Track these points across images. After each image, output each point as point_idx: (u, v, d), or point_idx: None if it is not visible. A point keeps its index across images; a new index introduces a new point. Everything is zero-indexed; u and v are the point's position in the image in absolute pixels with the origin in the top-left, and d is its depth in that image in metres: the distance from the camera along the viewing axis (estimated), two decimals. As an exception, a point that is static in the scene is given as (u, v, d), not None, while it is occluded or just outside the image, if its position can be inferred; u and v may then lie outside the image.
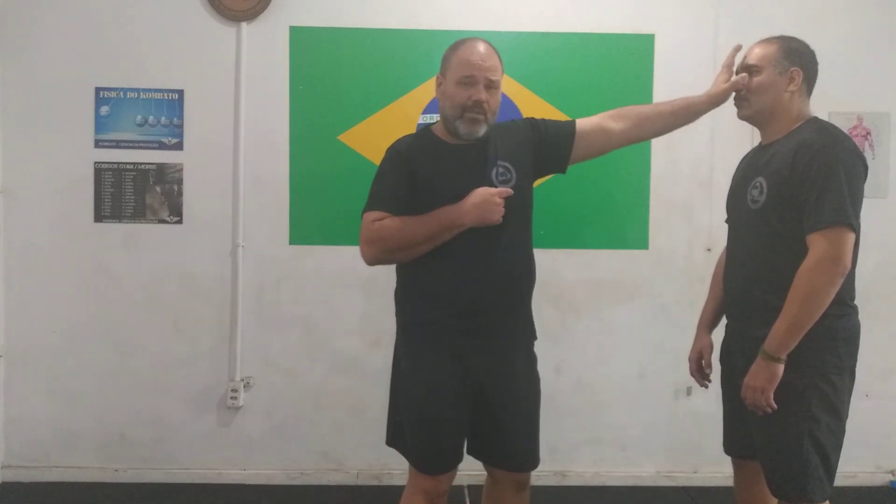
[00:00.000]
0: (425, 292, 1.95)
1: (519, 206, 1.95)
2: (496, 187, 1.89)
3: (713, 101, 2.05)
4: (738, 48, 2.04)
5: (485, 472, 2.11)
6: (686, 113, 2.08)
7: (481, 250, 1.89)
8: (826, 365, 1.82)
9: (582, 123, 2.06)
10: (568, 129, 2.04)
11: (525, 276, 2.00)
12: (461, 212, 1.84)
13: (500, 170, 1.94)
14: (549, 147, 2.03)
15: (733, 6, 3.11)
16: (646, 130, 2.10)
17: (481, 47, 1.91)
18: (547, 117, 2.04)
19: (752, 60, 1.96)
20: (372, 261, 1.94)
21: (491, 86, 1.90)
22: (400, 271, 2.02)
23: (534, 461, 2.03)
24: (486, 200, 1.83)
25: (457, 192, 1.86)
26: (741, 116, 2.01)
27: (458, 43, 1.95)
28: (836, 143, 1.82)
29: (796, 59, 1.93)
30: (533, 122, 2.07)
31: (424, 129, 2.05)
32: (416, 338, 1.96)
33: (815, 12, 3.10)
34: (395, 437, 2.04)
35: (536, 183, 2.09)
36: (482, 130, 1.92)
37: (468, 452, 2.04)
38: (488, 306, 1.92)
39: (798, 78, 1.92)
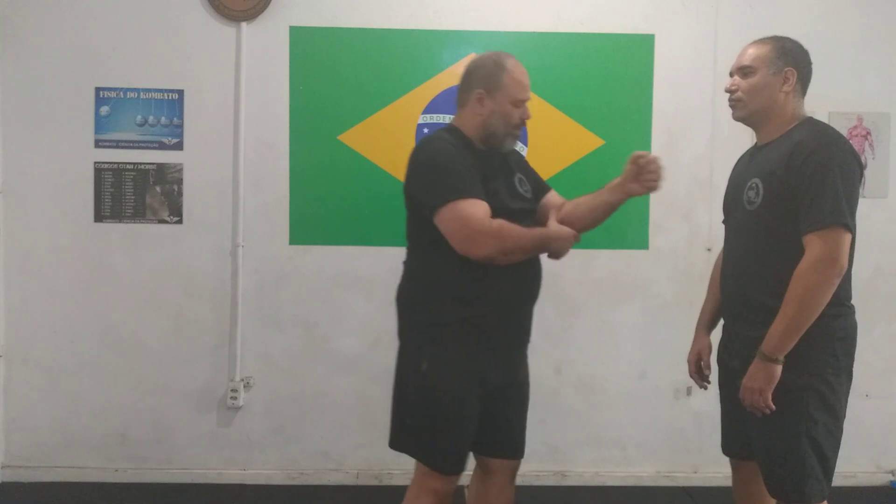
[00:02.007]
0: (464, 291, 1.94)
1: (533, 214, 2.09)
2: (520, 194, 2.04)
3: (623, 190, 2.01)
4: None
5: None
6: (598, 204, 2.05)
7: None
8: (823, 365, 1.82)
9: (549, 197, 2.15)
10: (542, 188, 2.18)
11: (541, 279, 2.07)
12: (553, 241, 1.92)
13: (521, 180, 2.09)
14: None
15: (733, 6, 3.11)
16: (577, 224, 2.04)
17: (523, 68, 2.01)
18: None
19: (746, 61, 1.95)
20: (493, 252, 1.86)
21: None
22: (420, 272, 2.01)
23: (524, 450, 2.13)
24: (569, 242, 1.93)
25: (494, 196, 1.92)
26: (736, 118, 2.01)
27: (501, 62, 1.99)
28: (832, 143, 1.82)
29: (790, 59, 1.92)
30: (523, 158, 2.26)
31: (456, 131, 2.03)
32: (445, 337, 1.95)
33: (815, 12, 3.10)
34: (402, 440, 2.02)
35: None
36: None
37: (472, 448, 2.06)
38: (520, 303, 2.01)
39: (792, 78, 1.92)
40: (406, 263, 2.06)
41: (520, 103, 1.99)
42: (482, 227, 1.85)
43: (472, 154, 1.97)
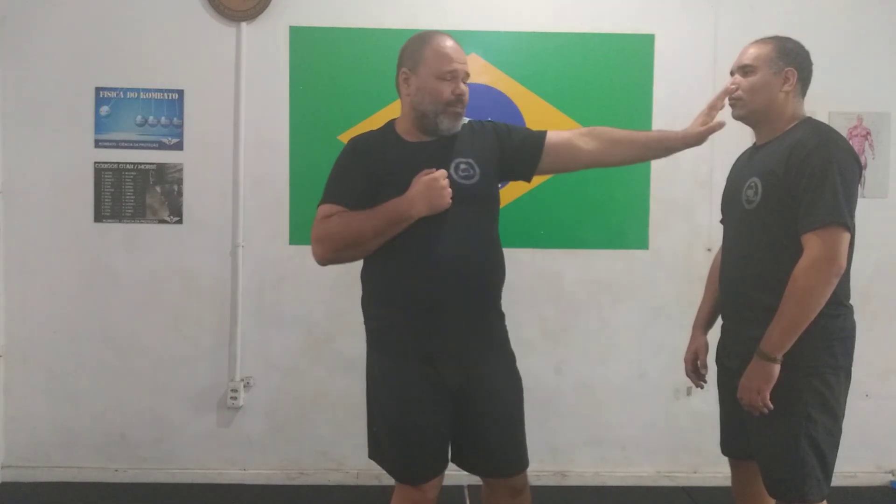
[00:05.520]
0: (385, 294, 1.89)
1: (482, 202, 1.93)
2: (453, 181, 1.85)
3: (687, 141, 1.95)
4: (728, 91, 1.97)
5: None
6: (658, 147, 2.00)
7: (440, 246, 1.82)
8: (822, 365, 1.82)
9: (552, 136, 1.99)
10: (537, 140, 1.99)
11: (490, 273, 1.92)
12: (409, 202, 1.79)
13: (462, 166, 1.89)
14: (514, 154, 1.98)
15: (733, 6, 3.11)
16: (615, 156, 2.00)
17: (453, 41, 1.90)
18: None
19: (746, 60, 1.96)
20: (322, 260, 1.87)
21: (466, 79, 1.91)
22: (363, 275, 1.98)
23: (523, 464, 1.97)
24: (430, 186, 1.79)
25: (404, 189, 1.83)
26: (736, 116, 2.01)
27: (426, 37, 1.91)
28: (831, 142, 1.82)
29: (791, 59, 1.93)
30: (497, 128, 2.02)
31: (387, 125, 2.00)
32: (383, 343, 1.90)
33: (815, 12, 3.10)
34: (375, 450, 1.96)
35: (532, 185, 2.08)
36: (460, 124, 1.92)
37: (455, 462, 1.97)
38: (448, 304, 1.84)
39: (793, 78, 1.92)
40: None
41: (447, 76, 1.85)
42: (313, 235, 1.86)
43: (385, 149, 1.90)
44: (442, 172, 1.82)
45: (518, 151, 1.99)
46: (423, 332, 1.85)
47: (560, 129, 2.03)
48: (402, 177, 1.83)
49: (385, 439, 1.90)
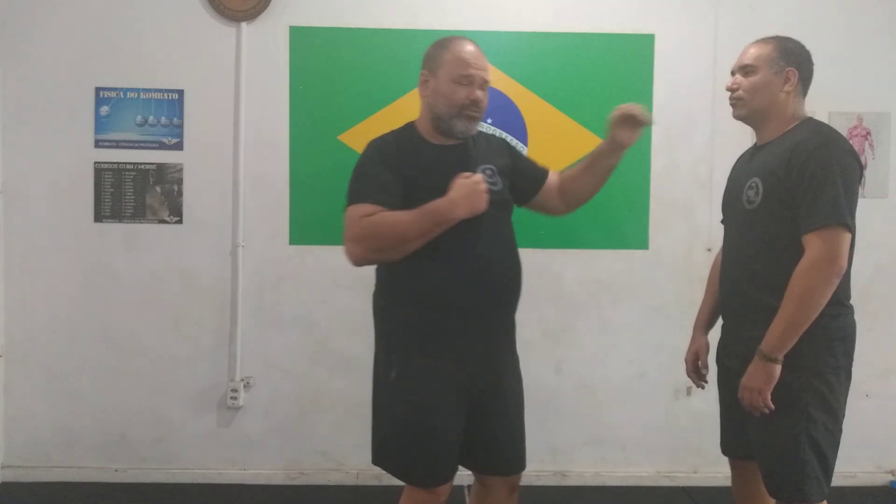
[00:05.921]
0: (419, 294, 1.88)
1: (505, 207, 1.99)
2: None
3: (608, 142, 2.01)
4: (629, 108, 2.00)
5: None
6: (596, 161, 2.04)
7: (475, 250, 1.86)
8: (822, 365, 1.82)
9: (551, 176, 2.10)
10: (540, 174, 2.10)
11: (517, 278, 1.98)
12: (451, 205, 1.79)
13: (488, 171, 1.94)
14: (519, 177, 2.05)
15: (733, 6, 3.11)
16: (574, 191, 2.09)
17: (473, 47, 1.92)
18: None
19: (747, 60, 1.96)
20: (360, 260, 1.86)
21: (484, 86, 1.92)
22: (383, 275, 1.97)
23: (523, 464, 2.02)
24: (472, 190, 1.80)
25: (430, 192, 1.83)
26: (736, 116, 2.01)
27: (448, 41, 1.94)
28: (832, 143, 1.82)
29: (792, 59, 1.93)
30: (509, 148, 2.12)
31: (407, 127, 2.01)
32: (409, 344, 1.89)
33: (815, 12, 3.10)
34: (382, 455, 1.94)
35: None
36: (475, 128, 1.95)
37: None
38: (486, 307, 1.89)
39: (794, 78, 1.92)
40: (376, 269, 2.01)
41: (463, 80, 1.87)
42: (348, 235, 1.84)
43: (413, 150, 1.92)
44: (481, 176, 1.84)
45: (523, 176, 2.06)
46: (457, 333, 1.87)
47: (553, 164, 2.15)
48: (433, 178, 1.84)
49: (404, 441, 1.88)
